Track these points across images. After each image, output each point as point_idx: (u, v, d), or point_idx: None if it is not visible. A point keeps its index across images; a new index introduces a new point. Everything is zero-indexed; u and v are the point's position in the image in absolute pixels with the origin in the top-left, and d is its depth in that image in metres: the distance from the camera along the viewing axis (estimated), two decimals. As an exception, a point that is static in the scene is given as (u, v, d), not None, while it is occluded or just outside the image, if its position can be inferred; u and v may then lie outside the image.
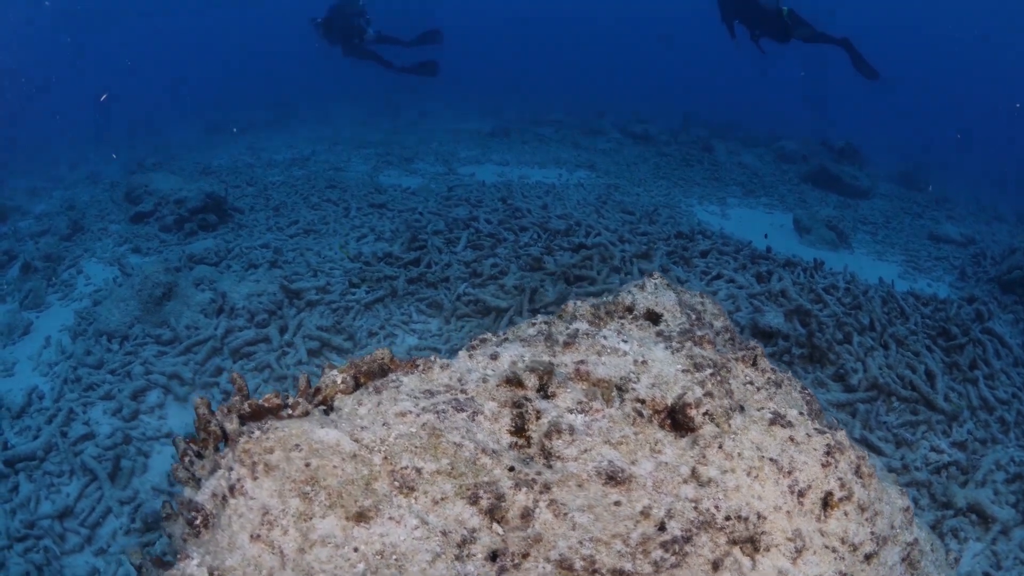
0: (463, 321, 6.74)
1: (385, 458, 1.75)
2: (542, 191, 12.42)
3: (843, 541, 1.79)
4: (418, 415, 1.89)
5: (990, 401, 5.64)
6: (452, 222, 9.16)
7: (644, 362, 2.12)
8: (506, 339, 2.52)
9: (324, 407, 2.13)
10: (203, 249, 8.74)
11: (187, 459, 2.20)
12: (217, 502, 1.82)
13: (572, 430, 1.85)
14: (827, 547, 1.76)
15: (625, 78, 27.82)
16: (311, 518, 1.63)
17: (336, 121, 19.84)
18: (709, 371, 2.05)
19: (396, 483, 1.70)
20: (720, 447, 1.82)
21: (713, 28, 12.89)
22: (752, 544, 1.70)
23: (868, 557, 1.82)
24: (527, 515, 1.63)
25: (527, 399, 1.94)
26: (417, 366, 2.21)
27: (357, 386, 2.17)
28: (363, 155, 15.57)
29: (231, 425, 2.19)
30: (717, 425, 1.89)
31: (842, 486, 1.83)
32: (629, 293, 2.72)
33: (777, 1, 11.88)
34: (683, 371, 2.05)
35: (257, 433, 1.86)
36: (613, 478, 1.71)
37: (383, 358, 2.28)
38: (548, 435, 1.84)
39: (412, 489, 1.69)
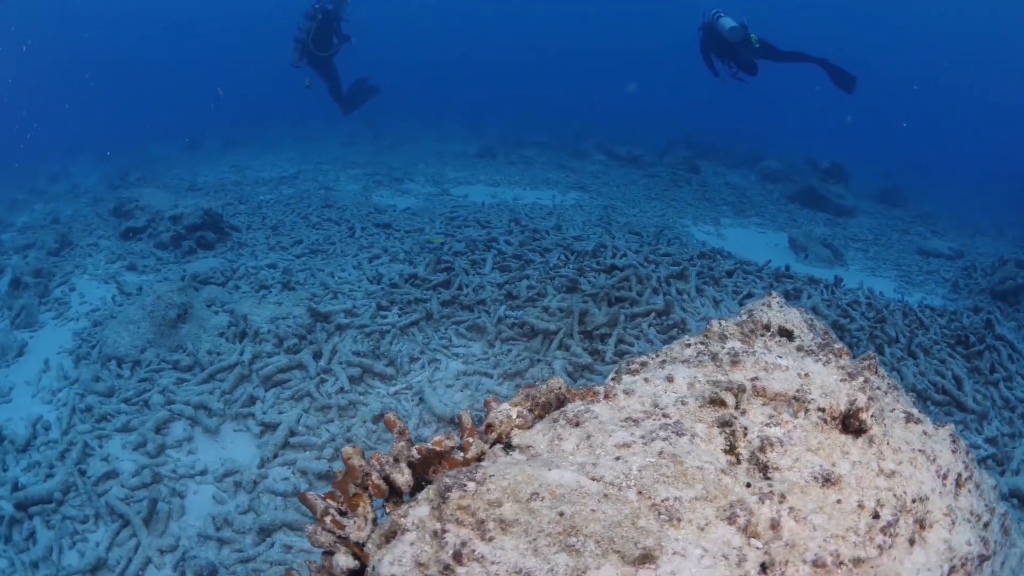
0: (508, 344, 6.20)
1: (639, 492, 1.60)
2: (544, 212, 12.00)
3: (972, 513, 1.99)
4: (645, 444, 1.78)
5: (1011, 401, 6.06)
6: (471, 243, 8.64)
7: (807, 375, 2.13)
8: (664, 361, 2.38)
9: (501, 445, 1.95)
10: (208, 268, 8.03)
11: (329, 519, 1.92)
12: (435, 572, 1.51)
13: (781, 442, 1.85)
14: (966, 519, 1.94)
15: (604, 101, 27.67)
16: (585, 572, 1.42)
17: (315, 141, 19.17)
18: (861, 379, 2.12)
19: (663, 516, 1.56)
20: (888, 444, 1.93)
21: (691, 51, 12.82)
22: (926, 521, 1.82)
23: (985, 525, 2.04)
24: (775, 525, 1.61)
25: (734, 417, 1.90)
26: (596, 393, 2.09)
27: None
28: (351, 175, 14.97)
29: (402, 477, 1.96)
30: (880, 425, 2.01)
31: (966, 468, 2.04)
32: (762, 312, 2.63)
33: (745, 32, 11.84)
34: (841, 380, 2.11)
35: (471, 485, 1.62)
36: (828, 480, 1.75)
37: (559, 387, 2.14)
38: (762, 449, 1.82)
39: (679, 520, 1.57)
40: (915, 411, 2.13)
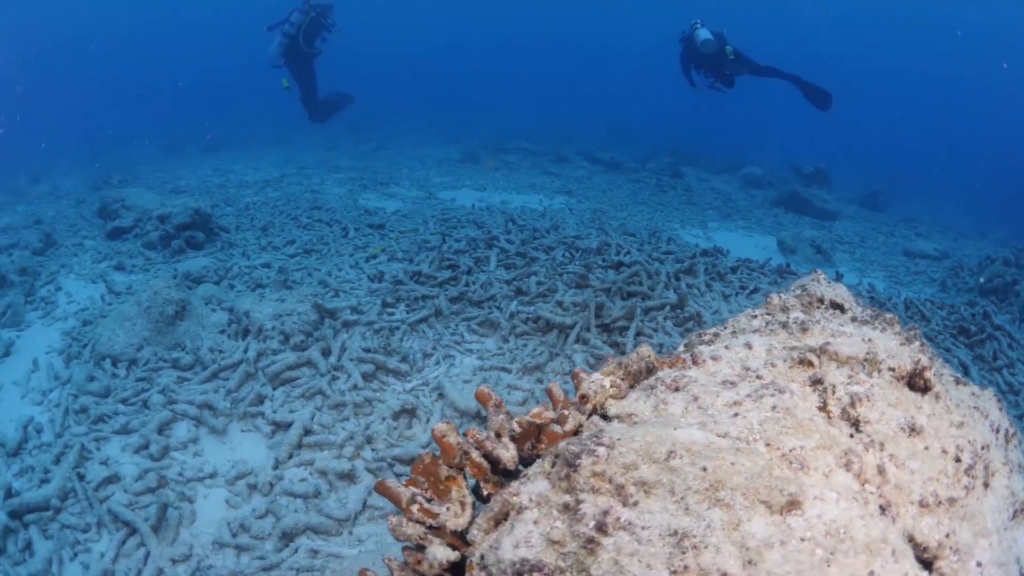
0: (524, 339, 5.89)
1: (767, 444, 1.62)
2: (536, 215, 11.71)
3: (1019, 465, 2.06)
4: (755, 401, 1.81)
5: (1015, 385, 6.22)
6: (472, 241, 8.32)
7: (870, 340, 2.17)
8: (735, 331, 2.41)
9: (599, 415, 1.91)
10: (200, 267, 7.60)
11: (416, 508, 1.76)
12: (575, 547, 1.41)
13: (867, 397, 1.87)
14: (1018, 470, 2.02)
15: (585, 107, 27.55)
16: (738, 525, 1.39)
17: (297, 146, 18.71)
18: (918, 343, 2.19)
19: (794, 465, 1.57)
20: (950, 400, 1.98)
21: (672, 59, 12.73)
22: (990, 468, 1.89)
23: (1026, 475, 2.16)
24: (882, 471, 1.65)
25: (824, 375, 1.94)
26: (684, 360, 2.10)
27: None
28: (336, 179, 14.57)
29: (507, 452, 1.83)
30: (940, 384, 2.05)
31: (1011, 424, 2.14)
32: (814, 286, 2.70)
33: (720, 44, 11.74)
34: (900, 345, 2.17)
35: (602, 450, 1.55)
36: (913, 430, 1.79)
37: (649, 356, 2.12)
38: (852, 404, 1.84)
39: (808, 468, 1.59)
40: (959, 375, 2.25)
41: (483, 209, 11.71)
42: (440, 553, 1.69)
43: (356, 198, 12.81)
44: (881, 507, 1.59)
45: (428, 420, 4.71)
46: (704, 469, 1.49)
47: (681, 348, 2.31)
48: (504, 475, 1.89)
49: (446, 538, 1.75)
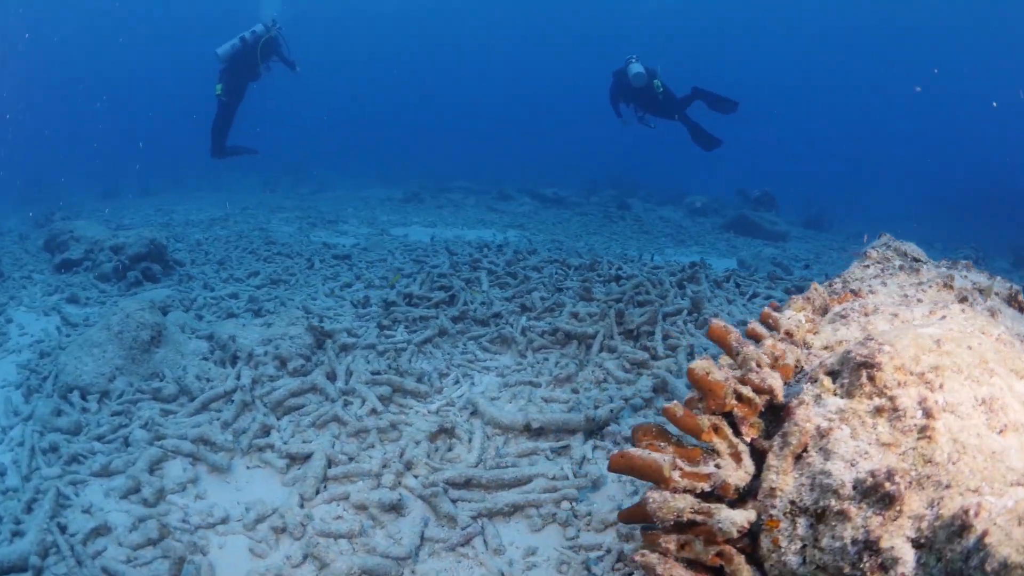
0: (542, 353, 5.29)
1: (982, 332, 1.73)
2: (496, 246, 11.17)
3: None
4: (943, 309, 1.98)
5: None
6: (456, 264, 7.72)
7: (966, 276, 2.41)
8: (860, 279, 2.53)
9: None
10: (164, 298, 6.68)
11: (679, 473, 1.51)
12: (911, 441, 1.37)
13: (1000, 311, 2.05)
14: None
15: (520, 145, 27.40)
16: (1012, 387, 1.51)
17: (234, 190, 17.71)
18: (999, 278, 2.41)
19: (1009, 344, 1.71)
20: None
21: (605, 95, 12.65)
22: None
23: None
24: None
25: (967, 295, 2.10)
26: (850, 296, 2.27)
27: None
28: (282, 218, 13.70)
29: (776, 381, 1.67)
30: None
31: None
32: (894, 243, 2.93)
33: (649, 78, 11.71)
34: (988, 279, 2.39)
35: (888, 348, 1.54)
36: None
37: (823, 292, 2.29)
38: (992, 314, 1.98)
39: (1014, 346, 1.71)
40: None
41: (445, 240, 11.11)
42: (737, 517, 1.41)
43: (307, 235, 11.98)
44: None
45: (470, 440, 4.03)
46: (970, 347, 1.56)
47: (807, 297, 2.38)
48: (755, 409, 1.62)
49: (730, 494, 1.50)
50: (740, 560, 1.43)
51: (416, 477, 3.69)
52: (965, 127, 38.12)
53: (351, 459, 3.91)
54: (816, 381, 1.61)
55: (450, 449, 4.00)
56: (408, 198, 17.17)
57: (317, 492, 3.65)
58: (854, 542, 1.32)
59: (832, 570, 1.35)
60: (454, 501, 3.50)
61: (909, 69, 47.14)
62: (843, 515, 1.33)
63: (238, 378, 4.72)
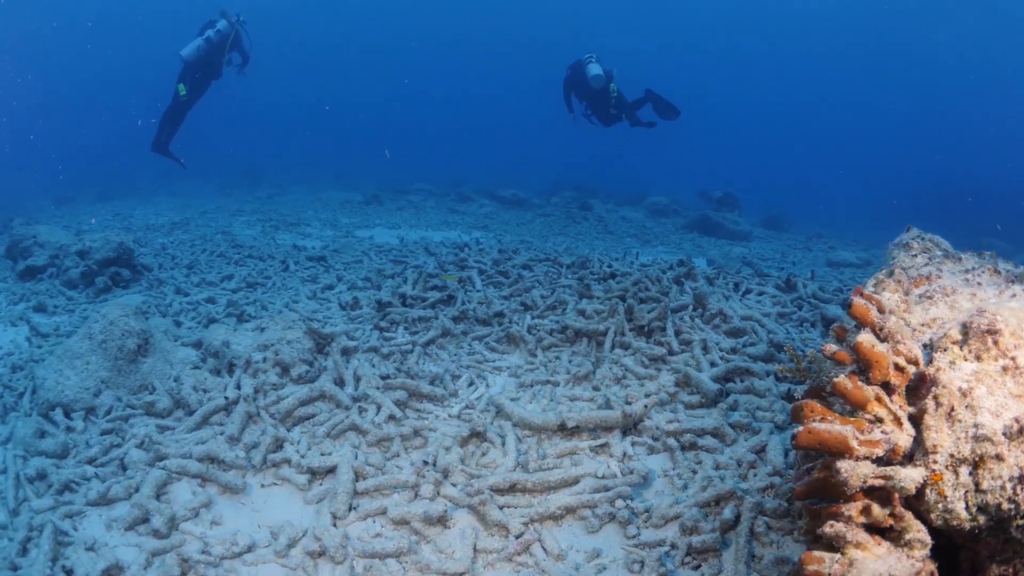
0: (553, 351, 5.00)
1: None
2: (460, 245, 10.82)
3: None
4: (1008, 287, 2.17)
5: None
6: (442, 264, 7.36)
7: (993, 255, 2.58)
8: (912, 267, 2.56)
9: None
10: (139, 303, 6.14)
11: (858, 442, 1.58)
12: None
13: None
14: None
15: (476, 147, 27.01)
16: None
17: (190, 195, 16.87)
18: None
19: None
20: None
21: (560, 100, 12.53)
22: None
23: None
24: None
25: (1015, 276, 2.29)
26: (924, 280, 2.37)
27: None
28: (243, 222, 13.05)
29: (920, 351, 1.82)
30: None
31: None
32: (926, 235, 2.94)
33: (607, 81, 11.65)
34: (1015, 267, 2.43)
35: (1000, 317, 1.75)
36: None
37: (903, 276, 2.43)
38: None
39: None
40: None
41: (414, 241, 10.70)
42: (915, 474, 1.57)
43: (272, 237, 11.40)
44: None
45: (503, 443, 3.70)
46: None
47: (871, 284, 2.52)
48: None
49: (898, 458, 1.62)
50: (910, 516, 1.61)
51: (455, 486, 3.35)
52: (915, 133, 39.38)
53: (379, 470, 3.55)
54: (946, 350, 1.75)
55: (484, 454, 3.67)
56: (368, 200, 16.66)
57: (351, 509, 3.28)
58: (1011, 479, 1.57)
59: (992, 508, 1.58)
60: (500, 508, 3.17)
61: (867, 78, 48.61)
62: (999, 458, 1.55)
63: (238, 387, 4.29)
